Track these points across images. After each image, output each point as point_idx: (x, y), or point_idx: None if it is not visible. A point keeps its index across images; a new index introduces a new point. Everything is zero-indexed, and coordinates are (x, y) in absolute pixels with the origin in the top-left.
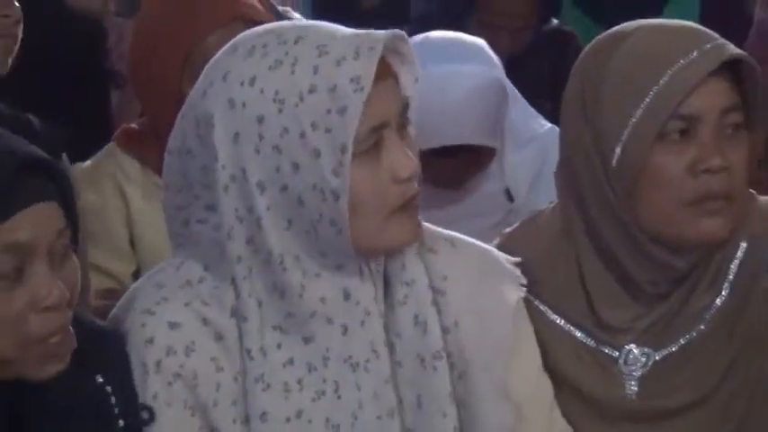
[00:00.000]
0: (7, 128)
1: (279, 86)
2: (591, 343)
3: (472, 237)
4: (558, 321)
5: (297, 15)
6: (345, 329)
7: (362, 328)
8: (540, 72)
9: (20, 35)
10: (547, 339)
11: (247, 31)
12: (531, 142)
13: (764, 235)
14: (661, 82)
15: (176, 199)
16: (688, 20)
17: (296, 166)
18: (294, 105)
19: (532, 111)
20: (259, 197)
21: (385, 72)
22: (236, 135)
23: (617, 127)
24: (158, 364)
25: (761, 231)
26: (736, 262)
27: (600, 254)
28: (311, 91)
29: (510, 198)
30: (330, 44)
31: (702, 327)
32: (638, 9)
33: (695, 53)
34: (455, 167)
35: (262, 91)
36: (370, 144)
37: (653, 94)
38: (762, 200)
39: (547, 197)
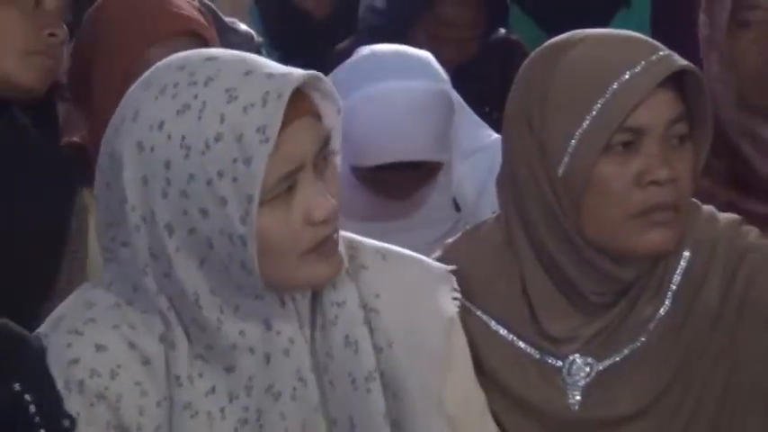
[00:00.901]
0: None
1: (186, 132)
2: (534, 353)
3: (422, 247)
4: (500, 332)
5: (243, 27)
6: (268, 359)
7: (287, 356)
8: (487, 82)
9: (65, 57)
10: (489, 350)
11: (162, 64)
12: (478, 152)
13: (706, 245)
14: (608, 94)
15: (104, 216)
16: (639, 27)
17: (204, 212)
18: (200, 153)
19: (479, 121)
20: (168, 239)
21: (303, 110)
22: (144, 178)
23: (563, 138)
24: (81, 383)
25: (703, 241)
26: (680, 272)
27: (543, 264)
28: (217, 139)
29: (458, 208)
30: (240, 88)
31: (646, 337)
32: (588, 18)
33: (642, 65)
34: (403, 181)
35: (169, 136)
36: (283, 189)
37: (600, 106)
38: (705, 209)
39: (493, 207)
